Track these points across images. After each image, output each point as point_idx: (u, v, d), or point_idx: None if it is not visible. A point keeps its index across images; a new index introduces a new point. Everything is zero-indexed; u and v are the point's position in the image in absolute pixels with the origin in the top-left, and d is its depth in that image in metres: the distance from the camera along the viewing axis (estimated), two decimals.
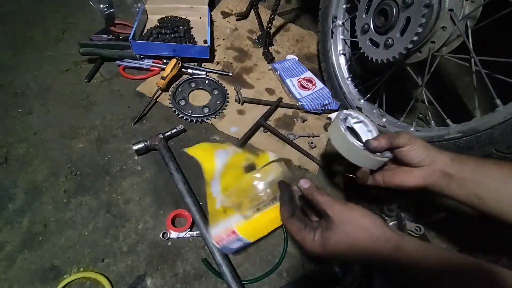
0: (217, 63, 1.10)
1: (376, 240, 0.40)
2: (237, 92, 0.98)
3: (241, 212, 0.68)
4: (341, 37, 1.00)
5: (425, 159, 0.52)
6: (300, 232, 0.44)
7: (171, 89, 0.98)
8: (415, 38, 0.62)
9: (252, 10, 1.29)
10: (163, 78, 0.94)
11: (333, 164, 0.89)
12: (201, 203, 0.75)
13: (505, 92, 0.58)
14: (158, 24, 1.12)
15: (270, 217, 0.73)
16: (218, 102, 0.97)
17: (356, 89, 0.96)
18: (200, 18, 1.20)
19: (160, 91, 0.96)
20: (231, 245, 0.67)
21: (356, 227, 0.41)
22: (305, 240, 0.44)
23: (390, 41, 0.68)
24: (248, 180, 0.65)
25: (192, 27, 1.15)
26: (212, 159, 0.79)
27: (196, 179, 0.79)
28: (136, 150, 0.81)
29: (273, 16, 1.10)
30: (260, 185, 0.66)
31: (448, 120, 0.70)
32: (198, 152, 0.80)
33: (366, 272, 0.65)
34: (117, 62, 1.02)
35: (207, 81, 1.01)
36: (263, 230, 0.71)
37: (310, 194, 0.47)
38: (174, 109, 0.93)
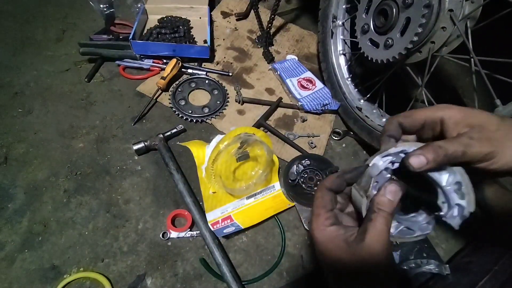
0: (217, 63, 1.10)
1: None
2: (237, 92, 0.98)
3: (232, 186, 0.74)
4: (341, 37, 1.00)
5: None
6: (322, 209, 0.34)
7: (171, 89, 0.98)
8: (415, 38, 0.62)
9: (252, 10, 1.29)
10: (163, 78, 0.94)
11: None
12: (201, 203, 0.75)
13: (505, 92, 0.58)
14: (158, 24, 1.12)
15: (266, 206, 0.76)
16: (218, 102, 0.97)
17: (356, 89, 0.96)
18: (200, 18, 1.20)
19: (160, 91, 0.96)
20: (224, 229, 0.70)
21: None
22: (319, 217, 0.34)
23: (390, 41, 0.68)
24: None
25: (192, 27, 1.15)
26: (203, 147, 0.82)
27: (196, 179, 0.79)
28: (136, 150, 0.81)
29: (273, 16, 1.10)
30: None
31: None
32: (190, 143, 0.84)
33: None
34: (117, 62, 1.02)
35: (207, 81, 1.01)
36: (257, 218, 0.73)
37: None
38: (174, 109, 0.93)
